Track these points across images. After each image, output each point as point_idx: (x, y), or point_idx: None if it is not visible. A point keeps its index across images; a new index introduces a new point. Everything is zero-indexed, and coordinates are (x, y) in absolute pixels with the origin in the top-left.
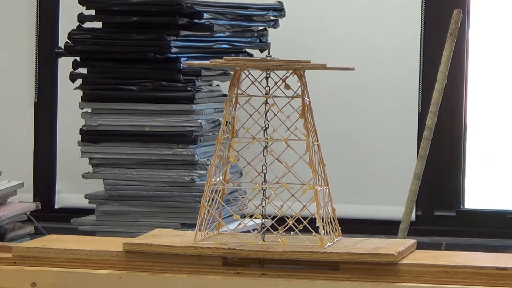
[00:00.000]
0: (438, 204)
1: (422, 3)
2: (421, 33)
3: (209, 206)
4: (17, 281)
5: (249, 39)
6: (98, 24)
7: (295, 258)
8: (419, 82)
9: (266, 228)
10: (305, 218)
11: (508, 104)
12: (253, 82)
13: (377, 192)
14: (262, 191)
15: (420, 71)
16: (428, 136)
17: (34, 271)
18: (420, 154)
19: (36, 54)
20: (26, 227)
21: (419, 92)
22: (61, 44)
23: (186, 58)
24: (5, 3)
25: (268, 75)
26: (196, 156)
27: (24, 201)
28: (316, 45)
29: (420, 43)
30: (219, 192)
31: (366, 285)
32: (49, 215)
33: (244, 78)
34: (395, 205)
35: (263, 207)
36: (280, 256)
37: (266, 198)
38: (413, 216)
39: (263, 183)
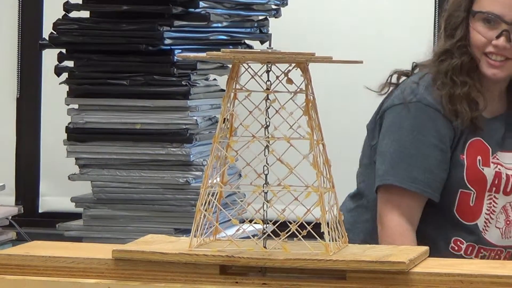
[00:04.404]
0: None
1: None
2: (434, 25)
3: (205, 210)
4: None
5: (248, 30)
6: (85, 14)
7: (298, 266)
8: None
9: (267, 234)
10: (309, 223)
11: None
12: (253, 76)
13: None
14: (263, 194)
15: None
16: None
17: (16, 280)
18: None
19: (18, 46)
20: (7, 232)
21: None
22: (46, 35)
23: (180, 50)
24: None
25: (269, 69)
26: (191, 156)
27: (5, 204)
28: (321, 36)
29: (434, 35)
30: (216, 195)
31: None
32: (32, 219)
33: (243, 72)
34: None
35: (264, 211)
36: (282, 264)
37: (267, 201)
38: None
39: (264, 185)
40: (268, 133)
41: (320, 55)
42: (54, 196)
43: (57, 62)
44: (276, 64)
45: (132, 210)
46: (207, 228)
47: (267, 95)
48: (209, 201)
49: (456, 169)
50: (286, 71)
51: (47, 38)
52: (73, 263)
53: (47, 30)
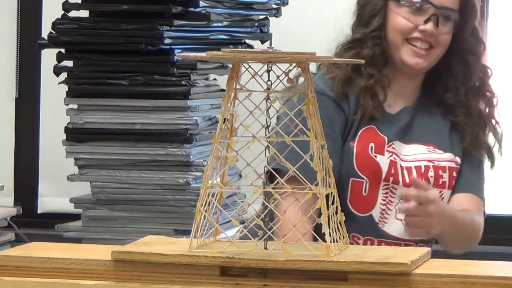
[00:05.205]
0: None
1: None
2: None
3: (206, 211)
4: None
5: (249, 29)
6: (84, 13)
7: (299, 267)
8: None
9: (268, 234)
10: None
11: (508, 104)
12: (253, 76)
13: None
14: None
15: None
16: None
17: (14, 282)
18: None
19: (17, 46)
20: (6, 233)
21: None
22: (44, 34)
23: (180, 50)
24: None
25: (269, 68)
26: (191, 156)
27: (4, 205)
28: (322, 35)
29: None
30: (216, 196)
31: None
32: (31, 220)
33: (244, 72)
34: None
35: (265, 211)
36: (283, 266)
37: (267, 202)
38: None
39: (265, 185)
40: (268, 133)
41: (321, 55)
42: (53, 196)
43: (56, 62)
44: (277, 64)
45: (131, 211)
46: (207, 229)
47: (268, 95)
48: (209, 202)
49: (347, 157)
50: (286, 70)
51: (46, 38)
52: (72, 264)
53: (46, 29)
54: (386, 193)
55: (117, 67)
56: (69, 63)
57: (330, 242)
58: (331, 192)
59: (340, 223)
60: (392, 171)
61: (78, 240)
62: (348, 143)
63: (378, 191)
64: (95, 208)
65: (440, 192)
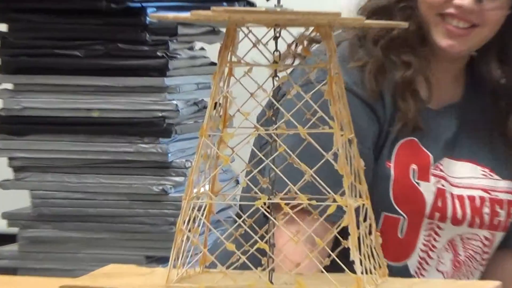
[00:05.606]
0: None
1: None
2: None
3: (189, 231)
4: None
5: None
6: None
7: None
8: None
9: (275, 263)
10: (333, 249)
11: None
12: (255, 45)
13: None
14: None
15: None
16: None
17: None
18: None
19: None
20: None
21: None
22: None
23: (155, 9)
24: None
25: (277, 35)
26: (169, 155)
27: None
28: None
29: None
30: (204, 210)
31: None
32: None
33: (243, 38)
34: None
35: (270, 231)
36: None
37: (273, 218)
38: None
39: (270, 195)
40: (275, 123)
41: (348, 17)
42: None
43: None
44: (288, 28)
45: (86, 230)
46: (191, 255)
47: (275, 71)
48: (195, 218)
49: (380, 181)
50: (301, 37)
51: None
52: None
53: None
54: (429, 235)
55: (69, 32)
56: (2, 28)
57: (362, 273)
58: (363, 204)
59: (375, 247)
60: (439, 204)
61: (12, 271)
62: (383, 163)
63: (419, 232)
64: (36, 226)
65: (492, 234)
